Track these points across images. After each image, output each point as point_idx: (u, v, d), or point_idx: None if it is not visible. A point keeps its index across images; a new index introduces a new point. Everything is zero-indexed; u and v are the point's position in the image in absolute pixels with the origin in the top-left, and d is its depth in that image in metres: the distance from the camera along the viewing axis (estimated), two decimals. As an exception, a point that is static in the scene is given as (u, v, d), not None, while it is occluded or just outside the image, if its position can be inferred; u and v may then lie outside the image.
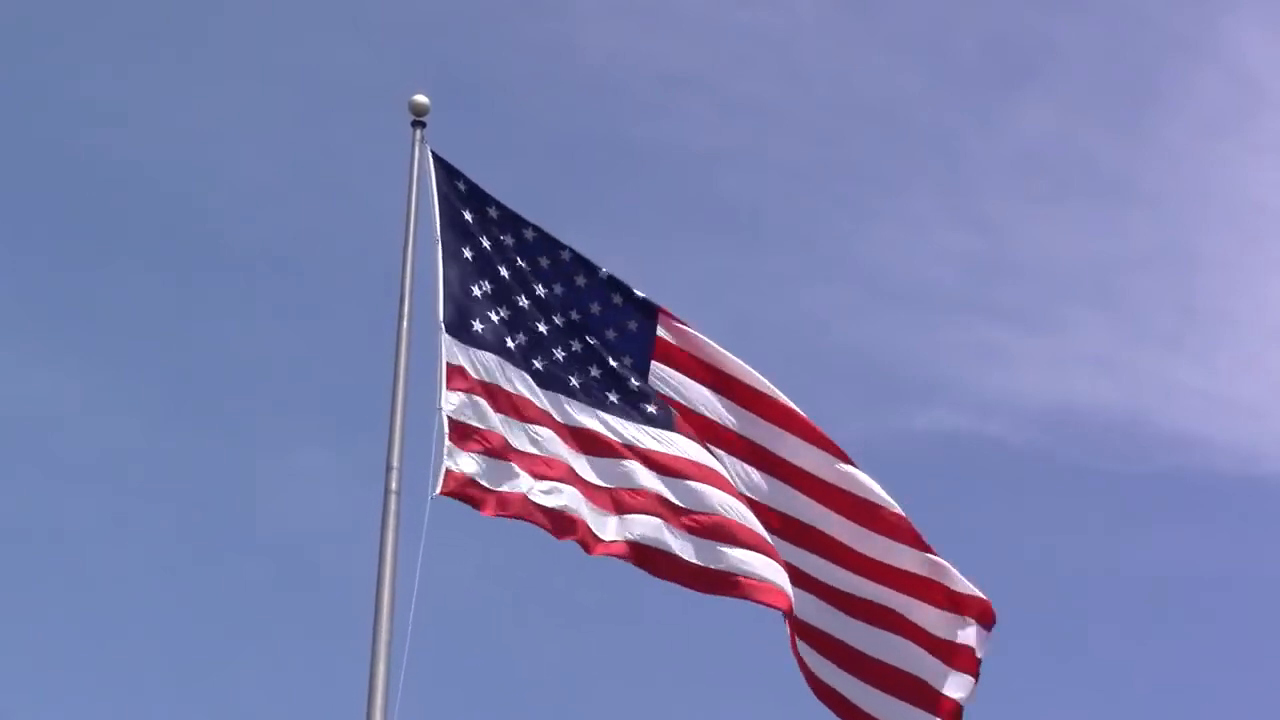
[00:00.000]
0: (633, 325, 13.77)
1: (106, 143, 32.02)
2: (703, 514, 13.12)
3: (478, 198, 13.74)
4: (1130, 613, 30.80)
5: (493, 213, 13.76)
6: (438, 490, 12.35)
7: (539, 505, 12.74)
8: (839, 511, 13.46)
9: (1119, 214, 32.82)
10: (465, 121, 29.04)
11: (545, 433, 13.04)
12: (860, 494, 13.47)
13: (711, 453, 13.40)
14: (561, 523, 12.80)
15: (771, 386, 13.67)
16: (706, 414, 13.63)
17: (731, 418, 13.68)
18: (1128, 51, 34.21)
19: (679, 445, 13.32)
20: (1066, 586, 30.49)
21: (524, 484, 12.73)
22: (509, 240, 13.69)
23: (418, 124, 13.77)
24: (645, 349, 13.74)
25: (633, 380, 13.54)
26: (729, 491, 13.25)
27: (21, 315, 30.69)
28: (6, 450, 29.87)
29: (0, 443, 29.82)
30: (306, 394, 29.42)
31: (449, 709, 23.26)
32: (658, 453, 13.27)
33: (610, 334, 13.70)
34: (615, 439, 13.25)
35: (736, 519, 13.08)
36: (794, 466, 13.56)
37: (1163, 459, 30.95)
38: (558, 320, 13.58)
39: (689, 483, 13.19)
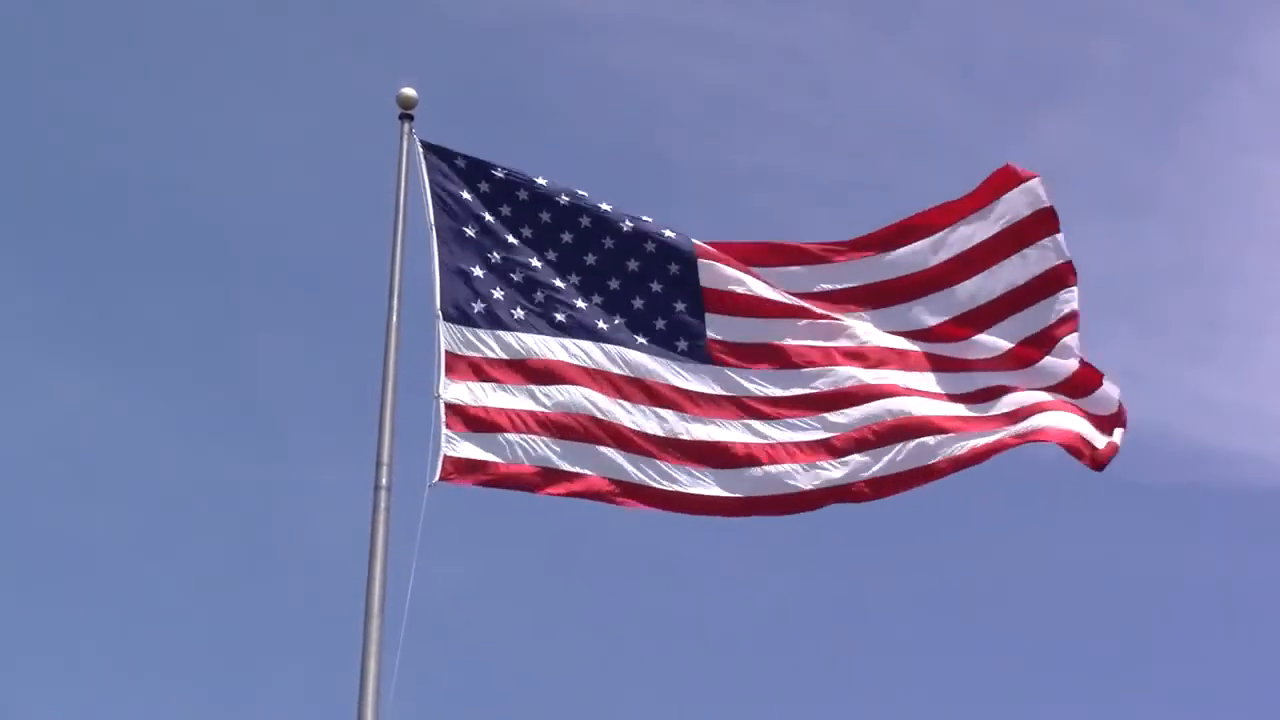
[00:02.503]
0: (674, 269, 13.68)
1: (130, 156, 32.37)
2: (702, 440, 13.13)
3: (481, 171, 13.53)
4: (1161, 624, 30.83)
5: (499, 174, 13.56)
6: (436, 477, 12.26)
7: (543, 468, 12.69)
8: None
9: (1147, 228, 32.86)
10: (503, 140, 29.41)
11: (556, 391, 12.95)
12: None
13: (751, 379, 13.47)
14: (570, 482, 12.76)
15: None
16: (761, 341, 13.62)
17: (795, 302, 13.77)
18: (1156, 66, 34.30)
19: (703, 378, 13.38)
20: (1098, 597, 30.53)
21: (528, 452, 12.68)
22: (523, 198, 13.55)
23: (405, 117, 13.42)
24: (694, 291, 13.62)
25: (660, 321, 13.49)
26: (747, 414, 13.31)
27: (56, 330, 31.03)
28: (43, 464, 30.19)
29: (36, 457, 30.11)
30: (344, 407, 29.64)
31: (442, 711, 23.48)
32: (676, 388, 13.27)
33: (655, 285, 13.57)
34: (639, 379, 13.24)
35: (729, 439, 13.17)
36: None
37: (1190, 471, 30.90)
38: (578, 276, 13.49)
39: (701, 421, 13.22)
